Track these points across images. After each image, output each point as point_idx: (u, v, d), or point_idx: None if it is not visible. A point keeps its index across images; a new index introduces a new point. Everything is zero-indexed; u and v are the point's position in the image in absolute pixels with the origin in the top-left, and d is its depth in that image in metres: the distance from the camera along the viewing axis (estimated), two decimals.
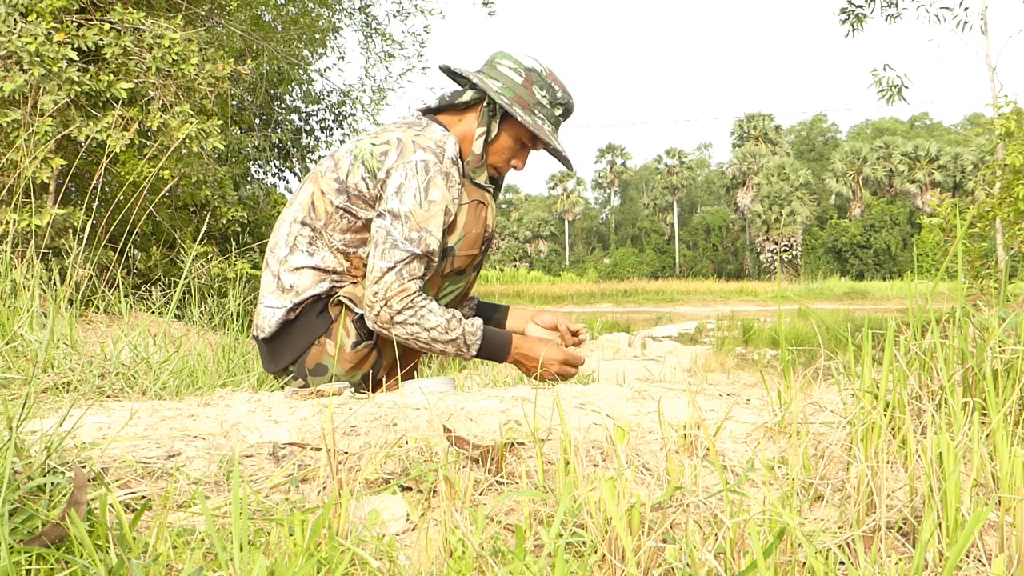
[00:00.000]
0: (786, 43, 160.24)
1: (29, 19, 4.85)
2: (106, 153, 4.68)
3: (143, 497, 1.05)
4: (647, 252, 53.37)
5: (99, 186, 5.54)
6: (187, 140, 5.25)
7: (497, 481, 1.16)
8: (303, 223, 1.91)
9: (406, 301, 1.81)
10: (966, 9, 10.31)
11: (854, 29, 10.66)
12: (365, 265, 1.92)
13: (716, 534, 1.02)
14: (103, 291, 2.81)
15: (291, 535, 0.94)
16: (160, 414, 1.42)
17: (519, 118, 1.91)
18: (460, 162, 1.93)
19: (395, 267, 1.80)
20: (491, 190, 2.00)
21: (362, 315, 1.88)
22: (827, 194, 49.43)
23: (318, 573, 0.91)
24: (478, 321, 1.91)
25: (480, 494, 1.13)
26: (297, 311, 1.90)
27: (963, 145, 47.00)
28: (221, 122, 5.62)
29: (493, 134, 1.95)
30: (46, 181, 4.88)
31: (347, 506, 1.02)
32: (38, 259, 2.60)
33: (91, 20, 5.19)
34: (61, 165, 4.95)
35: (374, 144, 1.88)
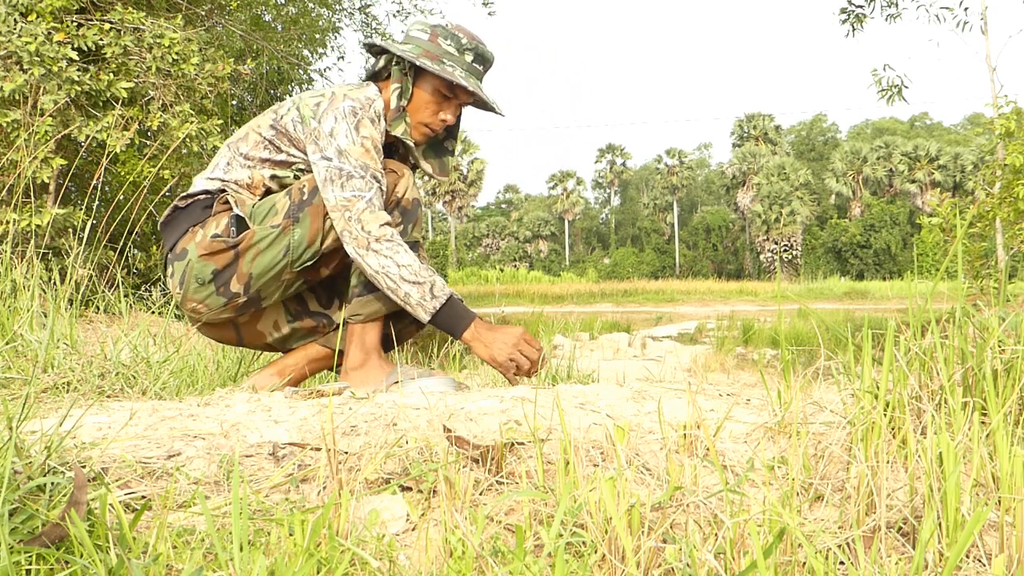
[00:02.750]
0: (786, 43, 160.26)
1: (29, 19, 4.85)
2: (106, 153, 4.68)
3: (143, 497, 1.05)
4: (647, 252, 53.36)
5: (99, 186, 5.54)
6: (187, 140, 5.25)
7: (497, 481, 1.16)
8: (229, 147, 2.05)
9: (385, 232, 1.87)
10: (966, 9, 10.31)
11: (854, 29, 10.66)
12: (266, 186, 2.02)
13: (716, 534, 1.02)
14: (103, 291, 2.81)
15: (291, 535, 0.94)
16: (160, 414, 1.42)
17: (419, 63, 1.98)
18: (385, 122, 2.03)
19: (361, 196, 1.88)
20: (413, 148, 2.07)
21: (238, 216, 1.92)
22: (827, 194, 49.42)
23: (318, 573, 0.91)
24: (450, 288, 1.92)
25: (480, 494, 1.13)
26: (188, 201, 2.00)
27: (963, 145, 46.98)
28: (221, 122, 5.62)
29: (409, 91, 2.04)
30: (46, 181, 4.88)
31: (347, 506, 1.02)
32: (38, 259, 2.60)
33: (91, 20, 5.19)
34: (61, 165, 4.95)
35: (312, 96, 2.02)
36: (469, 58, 2.04)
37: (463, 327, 1.89)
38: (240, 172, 2.01)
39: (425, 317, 1.87)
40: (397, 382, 1.91)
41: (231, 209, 1.95)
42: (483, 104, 2.09)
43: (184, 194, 2.02)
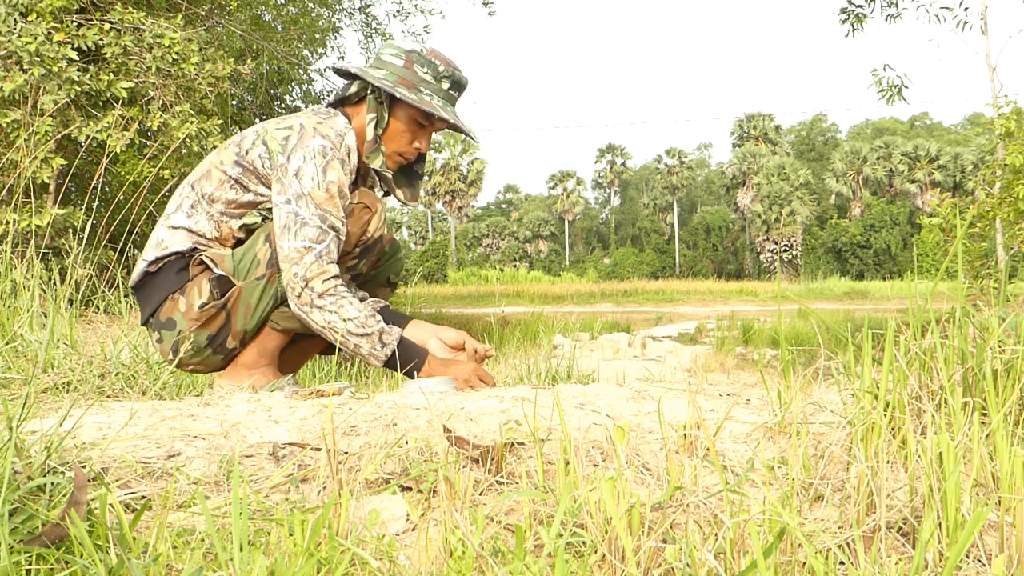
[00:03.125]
0: (786, 43, 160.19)
1: (29, 19, 4.85)
2: (106, 153, 4.68)
3: (143, 497, 1.05)
4: (647, 252, 53.35)
5: (99, 186, 5.54)
6: (187, 140, 5.25)
7: (497, 481, 1.16)
8: (192, 187, 1.98)
9: (328, 286, 1.85)
10: (966, 9, 10.32)
11: (854, 29, 10.66)
12: (236, 238, 1.96)
13: (716, 534, 1.02)
14: (103, 291, 2.82)
15: (291, 535, 0.94)
16: (160, 414, 1.42)
17: (398, 95, 1.93)
18: (356, 154, 1.97)
19: (311, 248, 1.84)
20: (388, 178, 2.04)
21: (221, 276, 1.89)
22: (827, 194, 49.41)
23: (318, 573, 0.91)
24: (397, 329, 1.92)
25: (480, 494, 1.13)
26: (159, 265, 1.95)
27: (963, 145, 46.96)
28: (221, 122, 5.62)
29: (385, 120, 1.99)
30: (46, 181, 4.88)
31: (347, 506, 1.02)
32: (38, 259, 2.61)
33: (91, 20, 5.19)
34: (61, 165, 4.95)
35: (278, 128, 1.94)
36: (446, 85, 2.00)
37: (418, 366, 1.92)
38: (206, 223, 1.94)
39: (378, 364, 1.90)
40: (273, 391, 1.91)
41: (208, 270, 1.91)
42: (455, 128, 2.05)
43: (153, 257, 1.94)
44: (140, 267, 1.97)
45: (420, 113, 1.99)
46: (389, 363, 1.90)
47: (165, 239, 1.95)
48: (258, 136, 1.94)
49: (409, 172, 2.14)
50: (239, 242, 1.97)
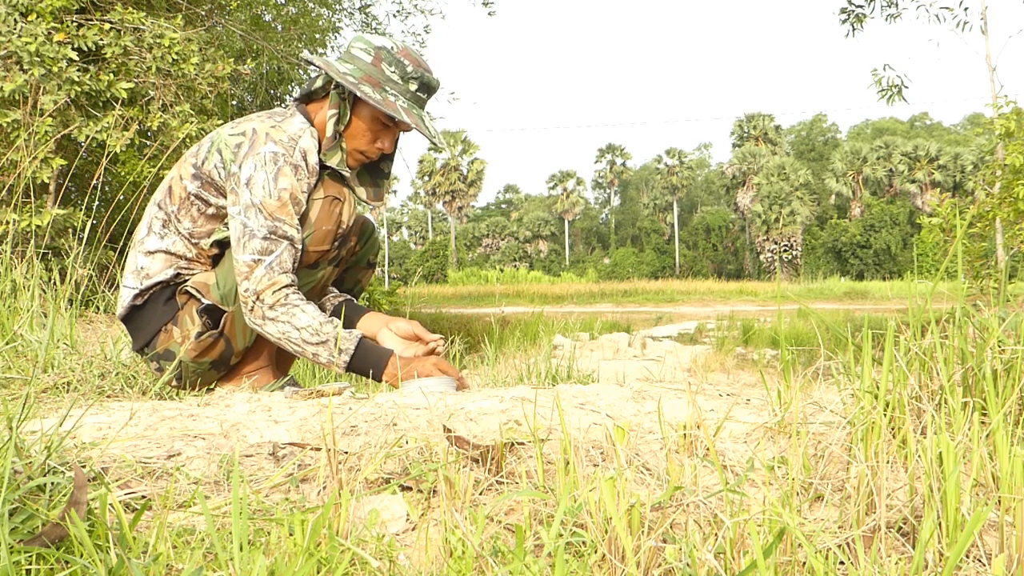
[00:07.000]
0: (786, 43, 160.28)
1: (29, 19, 4.85)
2: (106, 153, 4.68)
3: (143, 497, 1.05)
4: (647, 252, 53.35)
5: (99, 186, 5.54)
6: (187, 140, 5.25)
7: (497, 481, 1.16)
8: (159, 206, 1.94)
9: (278, 296, 1.81)
10: (966, 9, 10.33)
11: (854, 29, 10.67)
12: (211, 257, 1.94)
13: (716, 534, 1.02)
14: (103, 291, 2.82)
15: (291, 535, 0.94)
16: (160, 414, 1.42)
17: (359, 93, 1.86)
18: (316, 154, 1.91)
19: (261, 260, 1.81)
20: (348, 176, 1.98)
21: (208, 305, 1.88)
22: (827, 194, 49.42)
23: (318, 573, 0.91)
24: (356, 332, 1.87)
25: (480, 494, 1.13)
26: (145, 296, 1.93)
27: (963, 145, 47.01)
28: (221, 122, 5.62)
29: (347, 116, 1.93)
30: (46, 181, 4.89)
31: (347, 506, 1.01)
32: (38, 259, 2.61)
33: (91, 20, 5.19)
34: (61, 165, 4.95)
35: (231, 134, 1.89)
36: (414, 87, 1.94)
37: (381, 368, 1.86)
38: (181, 244, 1.91)
39: (340, 371, 1.85)
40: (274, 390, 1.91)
41: (195, 298, 1.90)
42: (420, 130, 1.98)
43: (137, 287, 1.92)
44: (125, 298, 1.94)
45: (383, 113, 1.93)
46: (350, 370, 1.86)
47: (145, 266, 1.92)
48: (212, 144, 1.90)
49: (374, 171, 2.08)
50: (215, 257, 1.95)
